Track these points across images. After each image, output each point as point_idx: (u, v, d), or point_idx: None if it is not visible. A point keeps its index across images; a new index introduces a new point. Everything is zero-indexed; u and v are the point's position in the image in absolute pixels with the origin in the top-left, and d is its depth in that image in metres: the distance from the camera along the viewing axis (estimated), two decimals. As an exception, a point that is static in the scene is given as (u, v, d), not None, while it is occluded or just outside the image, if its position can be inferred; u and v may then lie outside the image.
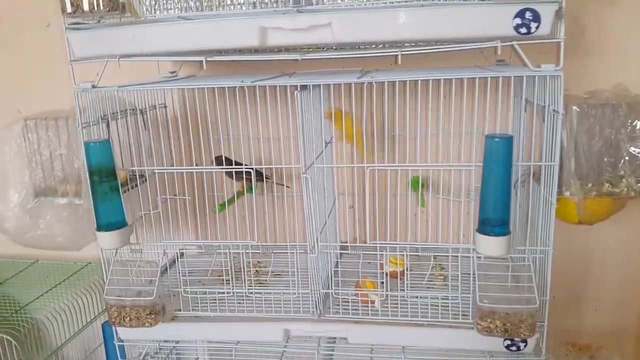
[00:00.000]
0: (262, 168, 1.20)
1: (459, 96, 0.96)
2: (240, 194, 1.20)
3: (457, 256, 1.03)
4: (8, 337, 1.21)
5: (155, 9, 1.02)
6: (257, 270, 1.25)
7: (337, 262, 1.22)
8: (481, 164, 0.90)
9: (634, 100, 1.09)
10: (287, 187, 1.30)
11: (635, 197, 1.10)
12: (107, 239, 1.03)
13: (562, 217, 1.12)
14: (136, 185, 1.13)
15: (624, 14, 1.19)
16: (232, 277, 1.10)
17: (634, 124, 1.07)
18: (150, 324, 1.05)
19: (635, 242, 1.33)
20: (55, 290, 1.36)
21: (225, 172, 1.19)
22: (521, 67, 0.96)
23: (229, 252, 1.10)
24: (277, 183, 1.29)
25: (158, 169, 1.09)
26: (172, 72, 1.29)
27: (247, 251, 1.09)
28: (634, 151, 1.07)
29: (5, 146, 1.24)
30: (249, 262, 1.14)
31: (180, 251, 1.30)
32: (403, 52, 0.90)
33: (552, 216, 0.96)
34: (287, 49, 1.13)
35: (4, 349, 1.24)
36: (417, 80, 0.94)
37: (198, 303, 1.10)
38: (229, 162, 1.15)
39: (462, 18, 0.87)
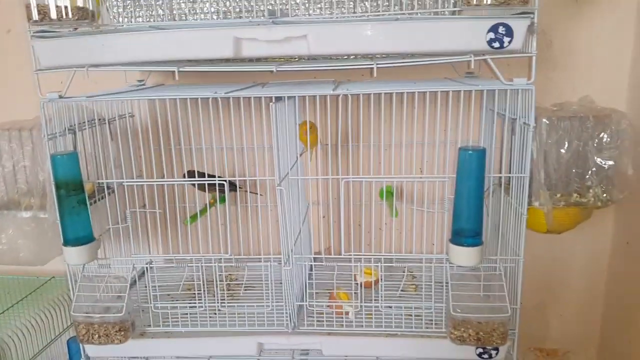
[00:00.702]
0: (236, 180, 1.18)
1: (433, 108, 0.97)
2: (211, 205, 1.18)
3: (430, 266, 1.04)
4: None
5: (122, 17, 0.99)
6: (229, 284, 1.23)
7: (311, 273, 1.21)
8: (454, 176, 0.91)
9: (600, 112, 1.12)
10: (260, 195, 1.29)
11: (601, 207, 1.13)
12: (74, 254, 0.99)
13: (531, 226, 1.15)
14: (103, 198, 1.09)
15: (589, 28, 1.23)
16: (203, 291, 1.08)
17: (600, 135, 1.10)
18: (120, 340, 1.02)
19: (600, 250, 1.37)
20: (17, 307, 1.30)
21: (197, 185, 1.17)
22: (491, 79, 0.98)
23: (201, 266, 1.08)
24: (250, 192, 1.28)
25: (126, 182, 1.06)
26: (139, 81, 1.25)
27: (219, 264, 1.07)
28: (600, 162, 1.11)
29: (-35, 157, 1.18)
30: (221, 275, 1.12)
31: (149, 265, 1.27)
32: (379, 65, 0.91)
33: (522, 226, 0.98)
34: (260, 60, 1.12)
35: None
36: (392, 92, 0.94)
37: (169, 318, 1.08)
38: (201, 176, 1.12)
39: (437, 32, 0.88)
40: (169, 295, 1.15)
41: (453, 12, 0.97)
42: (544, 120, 1.08)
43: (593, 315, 1.43)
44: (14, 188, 1.20)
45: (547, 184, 1.10)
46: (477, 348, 1.01)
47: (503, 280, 0.99)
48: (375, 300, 1.08)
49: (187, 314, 1.08)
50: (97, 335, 1.02)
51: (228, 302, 1.11)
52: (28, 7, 0.89)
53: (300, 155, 1.13)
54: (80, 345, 1.07)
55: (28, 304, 1.31)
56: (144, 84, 1.25)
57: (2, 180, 1.19)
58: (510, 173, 1.01)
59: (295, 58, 1.13)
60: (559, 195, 1.12)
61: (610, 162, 1.10)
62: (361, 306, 1.07)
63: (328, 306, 1.08)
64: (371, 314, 1.07)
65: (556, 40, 1.24)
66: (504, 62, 0.92)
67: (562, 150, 1.09)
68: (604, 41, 1.23)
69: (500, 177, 1.02)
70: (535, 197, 1.08)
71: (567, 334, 1.45)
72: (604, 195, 1.11)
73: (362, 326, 1.05)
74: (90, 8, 0.92)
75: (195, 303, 1.08)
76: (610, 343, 1.40)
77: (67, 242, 0.99)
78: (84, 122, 1.07)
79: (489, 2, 0.85)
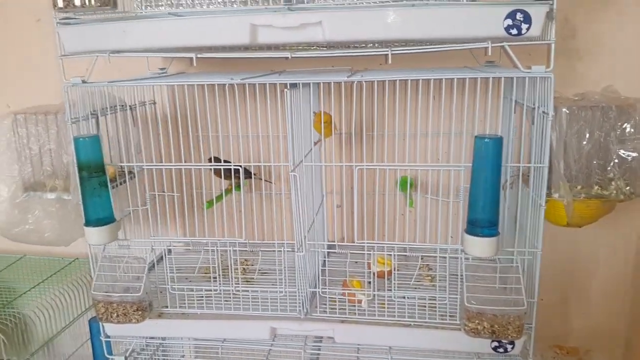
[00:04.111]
0: (251, 165, 1.19)
1: (449, 96, 0.96)
2: (228, 191, 1.20)
3: (445, 257, 1.03)
4: (-3, 331, 1.21)
5: (146, 5, 1.01)
6: (244, 268, 1.25)
7: (325, 261, 1.22)
8: (470, 165, 0.90)
9: (623, 102, 1.09)
10: (271, 182, 1.30)
11: (624, 200, 1.10)
12: (95, 234, 1.02)
13: (551, 219, 1.13)
14: (125, 181, 1.12)
15: (614, 16, 1.19)
16: (219, 275, 1.10)
17: (623, 126, 1.07)
18: (137, 320, 1.05)
19: (624, 244, 1.33)
20: (42, 286, 1.35)
21: (214, 170, 1.19)
22: (511, 68, 0.96)
23: (217, 249, 1.10)
24: (265, 180, 1.29)
25: (147, 165, 1.09)
26: (162, 69, 1.28)
27: (234, 248, 1.09)
28: (623, 154, 1.07)
29: (-6, 140, 1.23)
30: (236, 260, 1.14)
31: (168, 248, 1.30)
32: (393, 52, 0.90)
33: (540, 218, 0.96)
34: (277, 47, 1.13)
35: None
36: (407, 80, 0.93)
37: (185, 300, 1.10)
38: (219, 162, 1.14)
39: (453, 19, 0.87)
40: (186, 277, 1.18)
41: (471, -2, 0.95)
42: (564, 109, 1.06)
43: (618, 313, 1.39)
44: (40, 170, 1.24)
45: (567, 175, 1.07)
46: (492, 341, 1.00)
47: (520, 273, 0.97)
48: (388, 289, 1.08)
49: (202, 296, 1.10)
50: (115, 314, 1.05)
51: (242, 287, 1.13)
52: (54, -6, 0.93)
53: (315, 144, 1.13)
54: (100, 323, 1.11)
55: (52, 284, 1.37)
56: (165, 72, 1.27)
57: (29, 162, 1.23)
58: (529, 163, 0.99)
59: (313, 46, 1.14)
60: (579, 187, 1.09)
61: (634, 154, 1.06)
62: (374, 295, 1.07)
63: (341, 294, 1.08)
64: (384, 304, 1.06)
65: (580, 30, 1.21)
66: (525, 51, 0.90)
67: (584, 142, 1.07)
68: (629, 31, 1.20)
69: (519, 168, 1.00)
70: (555, 189, 1.06)
71: (590, 332, 1.41)
72: (627, 188, 1.08)
73: (375, 315, 1.05)
74: (112, -5, 0.95)
75: (211, 286, 1.10)
76: (637, 342, 1.36)
77: (88, 223, 1.02)
78: (107, 108, 1.10)
79: (506, -12, 0.83)
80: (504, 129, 1.08)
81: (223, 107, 1.15)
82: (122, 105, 1.14)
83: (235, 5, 1.02)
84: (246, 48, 1.14)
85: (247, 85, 0.99)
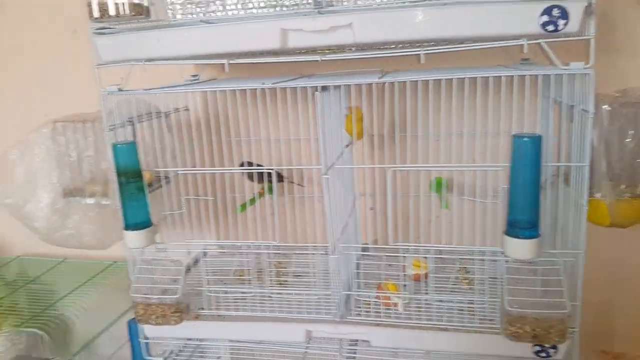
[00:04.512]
0: (283, 169, 1.19)
1: (484, 96, 0.94)
2: (260, 195, 1.21)
3: (483, 259, 1.00)
4: (41, 332, 1.24)
5: (179, 14, 1.03)
6: (278, 271, 1.25)
7: (358, 264, 1.21)
8: (508, 165, 0.88)
9: (667, 98, 1.04)
10: (303, 186, 1.30)
11: (670, 199, 1.05)
12: (134, 238, 1.04)
13: (593, 219, 1.09)
14: (160, 186, 1.14)
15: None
16: (254, 277, 1.11)
17: (667, 123, 1.03)
18: (175, 321, 1.07)
19: (672, 246, 1.28)
20: (82, 288, 1.39)
21: (247, 174, 1.20)
22: (547, 65, 0.94)
23: (251, 253, 1.11)
24: (297, 184, 1.30)
25: (182, 170, 1.10)
26: (194, 76, 1.30)
27: (268, 251, 1.10)
28: (668, 152, 1.03)
29: (35, 148, 1.27)
30: (270, 263, 1.15)
31: (204, 250, 1.32)
32: (426, 52, 0.89)
33: (583, 218, 0.93)
34: (307, 51, 1.13)
35: (37, 343, 1.28)
36: (441, 79, 0.92)
37: (221, 302, 1.11)
38: (251, 166, 1.15)
39: (487, 16, 0.85)
40: (221, 280, 1.19)
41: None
42: (605, 106, 1.02)
43: (667, 318, 1.33)
44: (79, 176, 1.27)
45: (610, 174, 1.03)
46: (533, 345, 0.97)
47: (562, 276, 0.95)
48: (425, 292, 1.06)
49: (238, 299, 1.11)
50: (154, 316, 1.07)
51: (277, 289, 1.13)
52: (89, 5, 0.95)
53: (347, 146, 1.13)
54: (139, 325, 1.13)
55: (93, 286, 1.40)
56: (197, 79, 1.29)
57: (68, 169, 1.27)
58: (569, 162, 0.96)
59: (342, 49, 1.13)
60: (623, 187, 1.05)
61: (680, 151, 1.02)
62: (410, 298, 1.06)
63: (376, 297, 1.08)
64: (421, 307, 1.05)
65: (620, 25, 1.17)
66: (562, 48, 0.87)
67: (627, 139, 1.03)
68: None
69: (558, 167, 0.97)
70: (597, 189, 1.02)
71: (637, 337, 1.36)
72: (674, 186, 1.03)
73: (411, 319, 1.03)
74: (145, 4, 0.96)
75: (246, 289, 1.11)
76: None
77: (127, 227, 1.04)
78: (143, 115, 1.12)
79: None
80: (542, 127, 1.05)
81: (254, 111, 1.15)
82: (158, 112, 1.16)
83: (265, 10, 1.02)
84: (275, 53, 1.14)
85: (277, 90, 0.99)
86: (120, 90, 1.03)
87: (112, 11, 0.95)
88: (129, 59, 1.00)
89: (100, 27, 1.00)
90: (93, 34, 1.00)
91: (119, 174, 1.02)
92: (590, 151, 0.90)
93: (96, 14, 0.96)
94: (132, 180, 1.02)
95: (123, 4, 0.94)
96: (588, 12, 0.83)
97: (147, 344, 1.18)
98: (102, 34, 1.00)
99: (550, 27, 0.83)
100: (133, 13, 0.96)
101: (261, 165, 1.12)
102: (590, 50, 0.85)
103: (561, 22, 0.82)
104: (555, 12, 0.82)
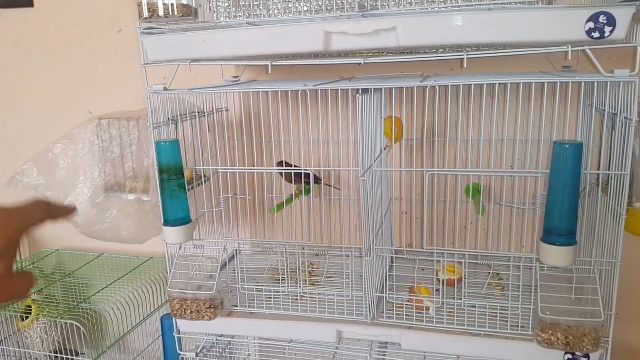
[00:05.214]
0: (320, 170, 1.21)
1: (526, 102, 0.94)
2: (297, 195, 1.22)
3: (518, 265, 1.00)
4: (77, 324, 1.28)
5: (225, 15, 1.05)
6: (310, 272, 1.27)
7: (391, 266, 1.22)
8: (548, 172, 0.88)
9: None
10: (339, 189, 1.31)
11: None
12: (173, 234, 1.06)
13: (631, 229, 1.07)
14: (200, 184, 1.17)
15: None
16: (287, 276, 1.12)
17: None
18: (210, 317, 1.09)
19: None
20: (118, 283, 1.42)
21: (284, 175, 1.22)
22: (589, 73, 0.93)
23: (285, 252, 1.12)
24: (334, 187, 1.31)
25: (221, 169, 1.13)
26: (234, 77, 1.33)
27: (302, 251, 1.11)
28: None
29: (79, 143, 1.31)
30: (303, 263, 1.16)
31: (239, 249, 1.34)
32: (469, 56, 0.89)
33: (620, 227, 0.92)
34: (349, 55, 1.15)
35: (71, 336, 1.32)
36: (483, 84, 0.92)
37: (254, 300, 1.13)
38: (289, 167, 1.17)
39: (531, 22, 0.85)
40: (254, 279, 1.20)
41: (550, 2, 0.93)
42: (649, 115, 1.01)
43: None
44: (121, 172, 1.31)
45: (651, 184, 1.02)
46: (565, 353, 0.96)
47: (597, 284, 0.94)
48: (458, 298, 1.06)
49: (271, 297, 1.13)
50: (189, 311, 1.09)
51: (310, 289, 1.14)
52: (140, 5, 0.98)
53: (385, 149, 1.14)
54: (174, 319, 1.15)
55: (128, 281, 1.43)
56: (238, 80, 1.32)
57: (110, 164, 1.30)
58: (609, 171, 0.95)
59: (383, 52, 1.14)
60: (663, 197, 1.04)
61: None
62: (443, 303, 1.06)
63: (408, 300, 1.08)
64: (453, 312, 1.05)
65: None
66: (604, 56, 0.87)
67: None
68: None
69: (597, 176, 0.96)
70: (637, 198, 1.01)
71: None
72: None
73: (443, 323, 1.04)
74: (193, 5, 0.99)
75: (279, 287, 1.13)
76: None
77: (167, 223, 1.07)
78: (185, 114, 1.15)
79: (589, -9, 0.81)
80: (584, 135, 1.05)
81: (295, 113, 1.17)
82: (199, 112, 1.19)
83: (309, 15, 1.04)
84: (317, 55, 1.16)
85: (318, 92, 1.01)
86: (166, 89, 1.06)
87: (161, 12, 0.98)
88: (175, 59, 1.03)
89: (148, 27, 1.03)
90: (141, 34, 1.03)
91: (161, 171, 1.04)
92: (632, 160, 0.90)
93: (146, 14, 0.98)
94: (173, 177, 1.04)
95: (172, 4, 0.97)
96: (636, 19, 0.82)
97: (179, 339, 1.20)
98: (150, 34, 1.03)
99: (596, 34, 0.83)
100: (181, 14, 0.98)
101: (298, 166, 1.13)
102: (637, 58, 0.84)
103: (608, 29, 0.82)
104: (602, 19, 0.82)
